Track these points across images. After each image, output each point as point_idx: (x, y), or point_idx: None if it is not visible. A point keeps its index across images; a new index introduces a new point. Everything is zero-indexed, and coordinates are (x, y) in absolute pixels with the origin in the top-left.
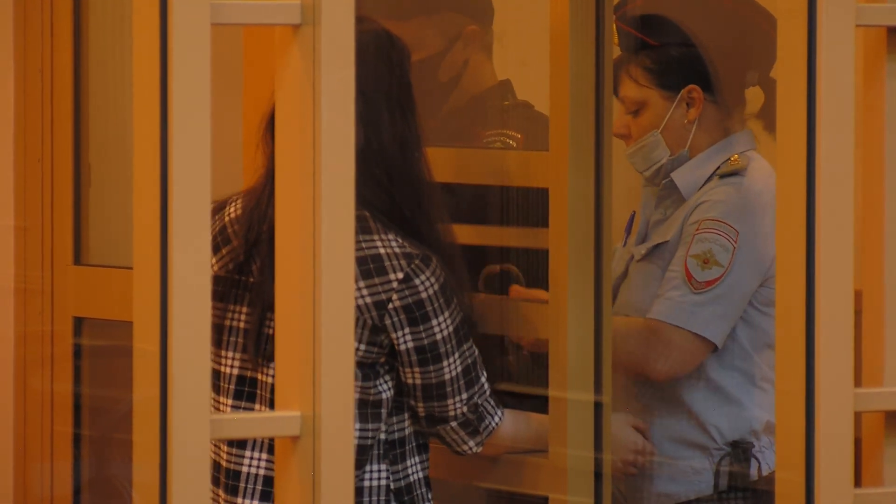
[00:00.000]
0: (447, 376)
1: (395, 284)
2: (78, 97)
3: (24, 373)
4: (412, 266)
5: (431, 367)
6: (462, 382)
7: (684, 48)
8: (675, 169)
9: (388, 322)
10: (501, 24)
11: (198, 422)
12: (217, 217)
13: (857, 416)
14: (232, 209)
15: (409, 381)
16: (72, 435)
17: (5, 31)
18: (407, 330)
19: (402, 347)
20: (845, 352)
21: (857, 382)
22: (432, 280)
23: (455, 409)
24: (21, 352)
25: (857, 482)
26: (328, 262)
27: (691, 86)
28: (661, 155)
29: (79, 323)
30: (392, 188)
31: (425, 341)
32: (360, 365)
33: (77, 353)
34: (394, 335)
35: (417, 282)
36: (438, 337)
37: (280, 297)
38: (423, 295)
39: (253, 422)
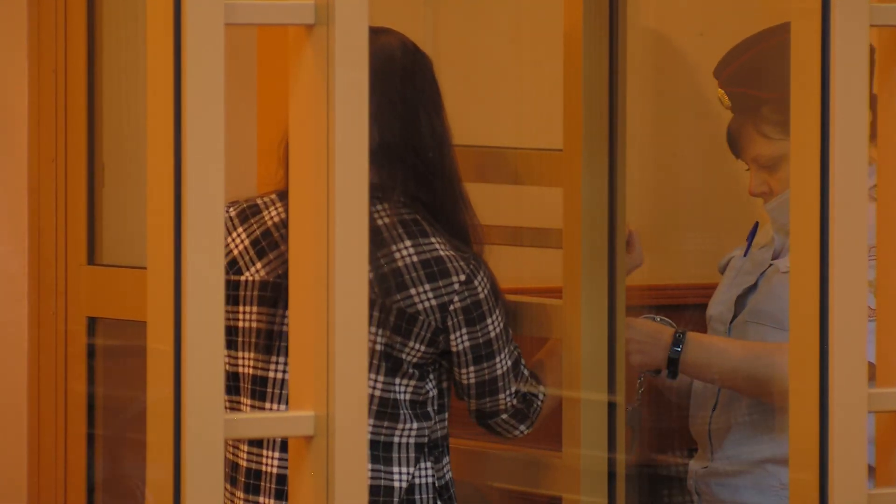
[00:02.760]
0: (499, 372)
1: (456, 286)
2: (92, 97)
3: (38, 372)
4: (471, 267)
5: (486, 365)
6: (511, 376)
7: None
8: None
9: (449, 323)
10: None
11: (211, 421)
12: (255, 220)
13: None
14: (274, 212)
15: (465, 381)
16: (85, 434)
17: (19, 30)
18: (465, 330)
19: (459, 347)
20: (859, 352)
21: (871, 382)
22: (486, 280)
23: (506, 403)
24: (34, 352)
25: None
26: (342, 262)
27: None
28: None
29: (92, 323)
30: (436, 189)
31: (481, 340)
32: (416, 366)
33: (90, 352)
34: (452, 336)
35: (476, 282)
36: (492, 335)
37: (293, 296)
38: (481, 295)
39: (267, 421)
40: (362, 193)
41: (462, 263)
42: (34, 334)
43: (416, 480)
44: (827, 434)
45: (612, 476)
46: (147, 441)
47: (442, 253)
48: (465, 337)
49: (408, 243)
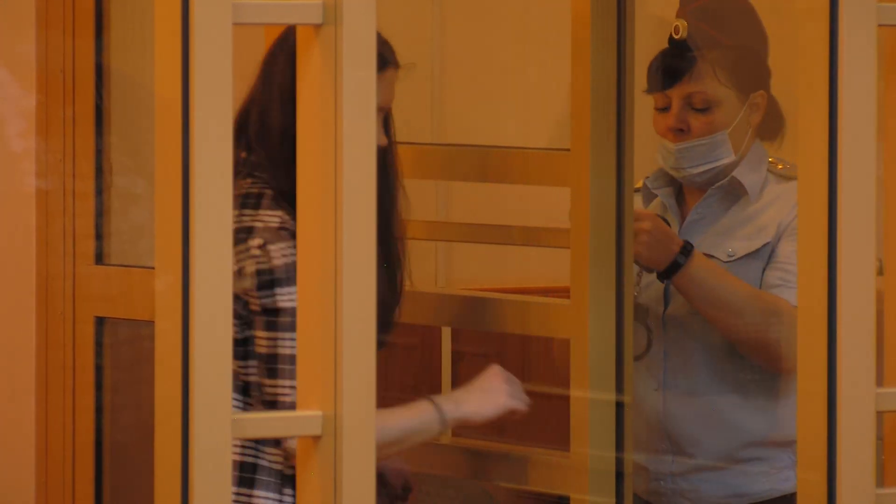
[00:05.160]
0: (285, 352)
1: (253, 251)
2: (100, 97)
3: (46, 372)
4: (274, 235)
5: (277, 336)
6: (293, 366)
7: (757, 49)
8: (732, 170)
9: (246, 286)
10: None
11: (219, 421)
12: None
13: (879, 416)
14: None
15: (258, 349)
16: (94, 434)
17: (27, 30)
18: (258, 293)
19: (253, 308)
20: (867, 351)
21: (879, 382)
22: (287, 253)
23: (289, 396)
24: (42, 351)
25: (879, 482)
26: (349, 261)
27: (762, 91)
28: (723, 155)
29: (100, 322)
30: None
31: (269, 306)
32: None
33: (98, 352)
34: (247, 299)
35: (272, 249)
36: (282, 307)
37: (301, 296)
38: (276, 262)
39: (274, 421)
40: (370, 192)
41: (268, 234)
42: (42, 334)
43: (262, 462)
44: (835, 434)
45: (619, 476)
46: (155, 440)
47: (258, 224)
48: (258, 299)
49: (237, 213)
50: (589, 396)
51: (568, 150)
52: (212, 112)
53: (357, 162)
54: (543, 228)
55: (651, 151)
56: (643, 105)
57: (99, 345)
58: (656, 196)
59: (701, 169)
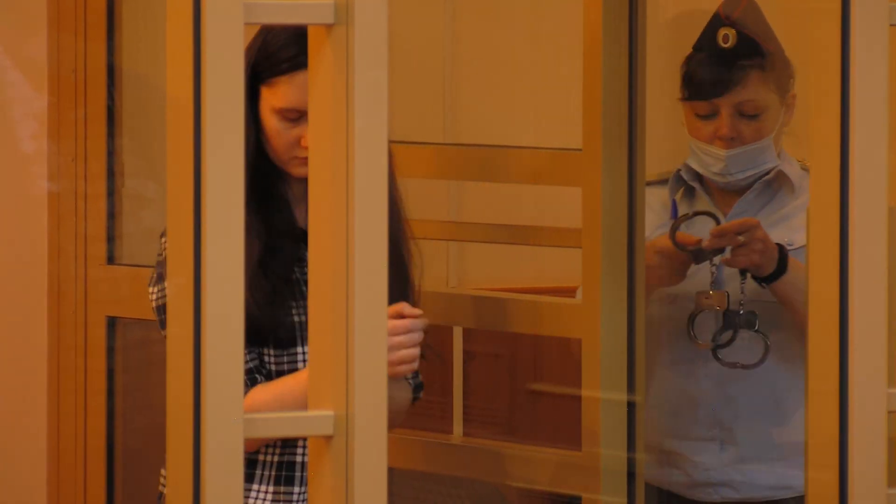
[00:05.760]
0: None
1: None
2: (111, 97)
3: (58, 372)
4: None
5: None
6: None
7: (782, 48)
8: (772, 170)
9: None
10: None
11: (231, 420)
12: None
13: (891, 417)
14: None
15: None
16: (105, 435)
17: (39, 30)
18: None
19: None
20: (878, 352)
21: (891, 382)
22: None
23: None
24: (54, 350)
25: (891, 482)
26: (361, 260)
27: (794, 92)
28: (768, 160)
29: (112, 322)
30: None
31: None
32: None
33: (110, 351)
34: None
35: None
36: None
37: (312, 295)
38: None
39: (286, 421)
40: (381, 192)
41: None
42: (54, 333)
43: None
44: (847, 434)
45: (631, 476)
46: (167, 440)
47: None
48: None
49: None
50: (601, 396)
51: (580, 150)
52: (223, 112)
53: (369, 161)
54: (555, 228)
55: (661, 150)
56: (654, 105)
57: (111, 347)
58: (681, 188)
59: (749, 174)
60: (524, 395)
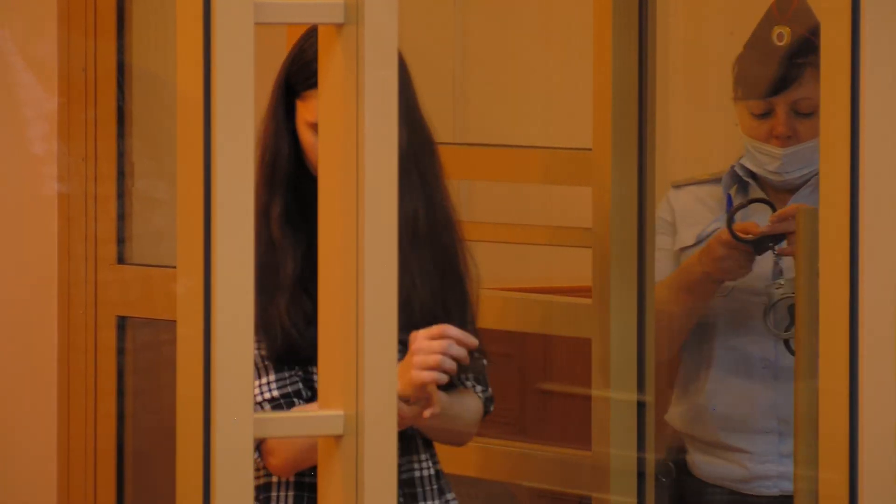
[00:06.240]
0: None
1: None
2: (121, 96)
3: (68, 371)
4: None
5: None
6: None
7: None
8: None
9: None
10: (544, 24)
11: (241, 420)
12: None
13: None
14: None
15: None
16: (115, 436)
17: (49, 29)
18: None
19: None
20: (889, 350)
21: None
22: None
23: None
24: (64, 350)
25: None
26: (371, 260)
27: None
28: (816, 157)
29: (122, 322)
30: None
31: None
32: None
33: (120, 351)
34: None
35: None
36: None
37: (322, 295)
38: None
39: (296, 421)
40: (392, 192)
41: None
42: (64, 333)
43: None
44: (857, 434)
45: (641, 476)
46: (177, 440)
47: None
48: None
49: None
50: (611, 396)
51: (590, 149)
52: (234, 112)
53: (379, 161)
54: (565, 228)
55: (686, 152)
56: (678, 107)
57: (121, 348)
58: (735, 184)
59: (805, 171)
60: (534, 394)
